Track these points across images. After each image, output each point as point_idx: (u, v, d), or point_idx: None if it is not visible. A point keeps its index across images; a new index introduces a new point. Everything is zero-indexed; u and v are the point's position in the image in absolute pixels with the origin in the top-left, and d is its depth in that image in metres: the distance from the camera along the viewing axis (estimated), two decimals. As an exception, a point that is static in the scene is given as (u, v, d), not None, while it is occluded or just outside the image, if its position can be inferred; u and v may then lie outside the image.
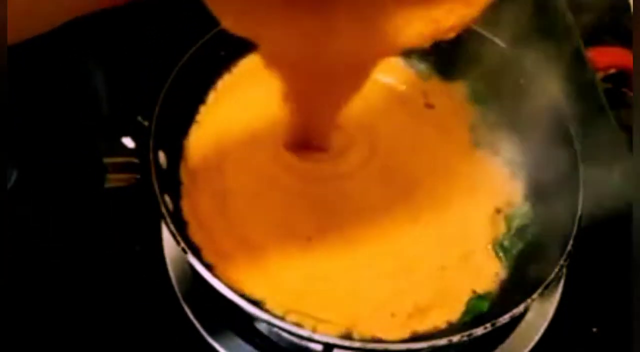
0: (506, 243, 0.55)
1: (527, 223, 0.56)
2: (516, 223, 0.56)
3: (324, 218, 0.54)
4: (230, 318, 0.55)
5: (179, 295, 0.55)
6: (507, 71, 0.60)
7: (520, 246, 0.55)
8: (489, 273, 0.53)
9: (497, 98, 0.61)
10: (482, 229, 0.55)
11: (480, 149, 0.60)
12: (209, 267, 0.48)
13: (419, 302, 0.51)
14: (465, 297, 0.52)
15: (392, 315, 0.50)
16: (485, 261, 0.53)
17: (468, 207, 0.56)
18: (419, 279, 0.52)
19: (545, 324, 0.56)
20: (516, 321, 0.56)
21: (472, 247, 0.54)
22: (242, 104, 0.60)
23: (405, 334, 0.49)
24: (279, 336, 0.55)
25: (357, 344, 0.46)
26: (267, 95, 0.60)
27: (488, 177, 0.58)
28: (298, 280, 0.51)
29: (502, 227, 0.55)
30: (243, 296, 0.46)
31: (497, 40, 0.60)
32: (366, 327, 0.49)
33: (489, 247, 0.54)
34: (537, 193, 0.57)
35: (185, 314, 0.55)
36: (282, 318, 0.47)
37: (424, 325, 0.50)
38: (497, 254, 0.54)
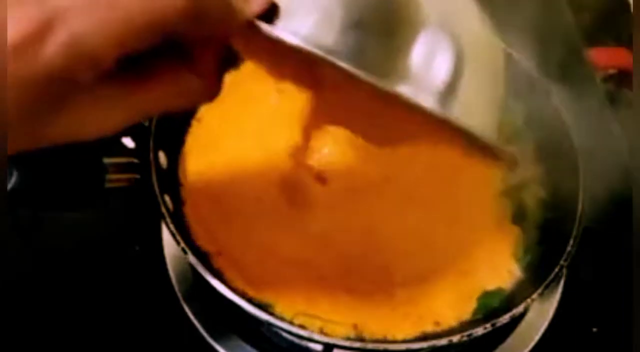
0: (522, 244, 0.55)
1: (540, 224, 0.56)
2: (531, 224, 0.56)
3: (341, 220, 0.53)
4: (231, 318, 0.55)
5: (179, 295, 0.55)
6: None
7: (533, 245, 0.55)
8: (503, 272, 0.53)
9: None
10: (503, 235, 0.55)
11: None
12: (212, 269, 0.48)
13: (433, 303, 0.51)
14: (476, 295, 0.52)
15: (405, 315, 0.50)
16: (501, 262, 0.53)
17: (487, 215, 0.56)
18: (436, 281, 0.52)
19: (545, 324, 0.56)
20: (516, 321, 0.56)
21: (491, 250, 0.54)
22: (243, 104, 0.60)
23: (416, 334, 0.49)
24: (279, 336, 0.55)
25: (357, 344, 0.46)
26: (268, 95, 0.60)
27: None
28: (309, 282, 0.50)
29: (519, 231, 0.55)
30: (242, 295, 0.46)
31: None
32: (377, 328, 0.49)
33: (507, 248, 0.54)
34: (546, 194, 0.57)
35: (186, 314, 0.55)
36: (281, 319, 0.47)
37: (436, 325, 0.50)
38: (513, 254, 0.54)
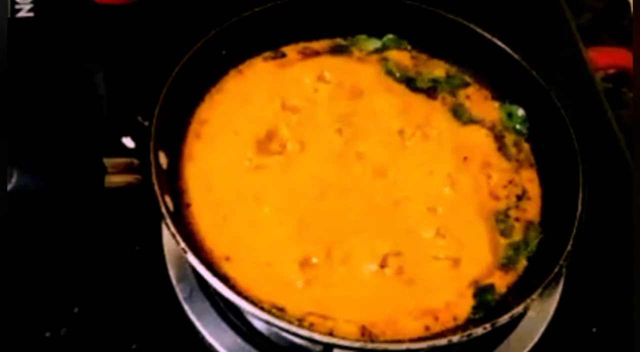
0: (521, 243, 0.55)
1: (536, 222, 0.56)
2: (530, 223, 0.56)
3: (346, 223, 0.53)
4: (230, 318, 0.55)
5: (179, 295, 0.55)
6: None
7: (533, 244, 0.55)
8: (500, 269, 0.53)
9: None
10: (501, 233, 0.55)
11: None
12: (213, 270, 0.48)
13: (436, 303, 0.50)
14: (471, 291, 0.51)
15: (409, 314, 0.50)
16: (499, 259, 0.54)
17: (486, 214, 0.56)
18: (436, 277, 0.52)
19: (545, 324, 0.56)
20: (516, 321, 0.56)
21: (490, 247, 0.54)
22: (244, 105, 0.60)
23: (421, 332, 0.49)
24: (278, 335, 0.55)
25: (357, 344, 0.46)
26: (269, 96, 0.60)
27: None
28: (317, 285, 0.50)
29: (517, 227, 0.55)
30: (241, 294, 0.46)
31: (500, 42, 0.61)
32: (384, 328, 0.49)
33: (503, 245, 0.54)
34: (545, 194, 0.57)
35: (185, 314, 0.55)
36: (280, 318, 0.47)
37: (439, 323, 0.50)
38: (509, 252, 0.54)
